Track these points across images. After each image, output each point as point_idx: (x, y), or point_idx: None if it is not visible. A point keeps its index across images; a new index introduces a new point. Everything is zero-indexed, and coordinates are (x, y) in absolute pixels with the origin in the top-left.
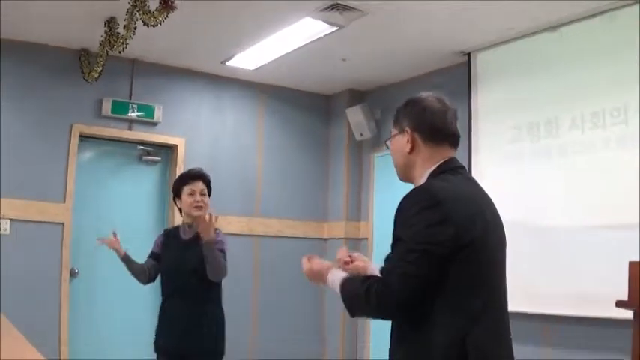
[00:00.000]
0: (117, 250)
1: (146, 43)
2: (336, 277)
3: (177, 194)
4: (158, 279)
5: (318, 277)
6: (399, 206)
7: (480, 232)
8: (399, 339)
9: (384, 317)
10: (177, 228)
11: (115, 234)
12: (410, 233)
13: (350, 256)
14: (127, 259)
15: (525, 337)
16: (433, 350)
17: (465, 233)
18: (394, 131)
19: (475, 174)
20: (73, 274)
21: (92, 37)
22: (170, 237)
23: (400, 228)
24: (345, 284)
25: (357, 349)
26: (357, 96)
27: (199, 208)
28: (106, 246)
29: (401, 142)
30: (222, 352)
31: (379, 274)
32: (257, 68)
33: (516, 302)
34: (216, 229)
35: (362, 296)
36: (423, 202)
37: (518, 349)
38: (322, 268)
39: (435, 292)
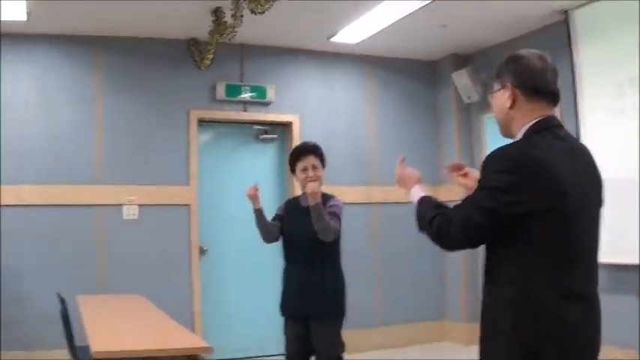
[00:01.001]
0: (254, 200)
1: (252, 26)
2: (418, 192)
3: (292, 170)
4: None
5: (405, 184)
6: (484, 159)
7: (561, 194)
8: (482, 292)
9: (440, 246)
10: (297, 198)
11: (255, 185)
12: (485, 187)
13: (463, 167)
14: (260, 213)
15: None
16: (502, 303)
17: (540, 198)
18: (496, 86)
19: (579, 131)
20: (202, 252)
21: (199, 26)
22: (291, 205)
23: (482, 179)
24: (421, 202)
25: (479, 309)
26: (461, 60)
27: (311, 182)
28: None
29: (502, 97)
30: (343, 313)
31: None
32: (361, 42)
33: (619, 255)
34: (331, 196)
35: (427, 221)
36: (502, 163)
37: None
38: (411, 178)
39: (506, 248)
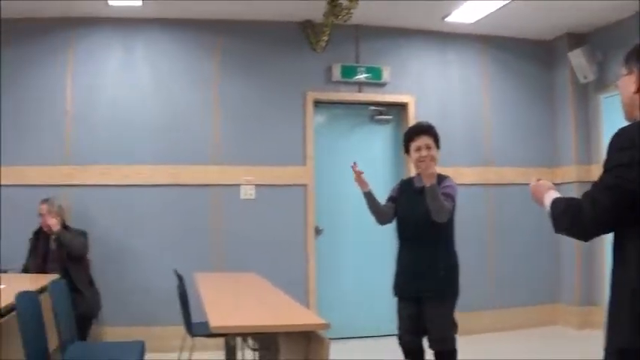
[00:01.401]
0: (361, 184)
1: (367, 7)
2: (550, 197)
3: (406, 150)
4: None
5: (539, 192)
6: (608, 142)
7: None
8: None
9: (577, 237)
10: (411, 178)
11: (355, 166)
12: (608, 168)
13: None
14: (369, 196)
15: None
16: (626, 286)
17: None
18: (623, 71)
19: None
20: (317, 231)
21: (315, 8)
22: (405, 186)
23: (605, 162)
24: (554, 203)
25: (592, 293)
26: (577, 39)
27: (425, 162)
28: (353, 193)
29: (628, 81)
30: (456, 294)
31: None
32: (476, 21)
33: None
34: (446, 177)
35: (560, 216)
36: (621, 142)
37: None
38: (546, 186)
39: (630, 229)
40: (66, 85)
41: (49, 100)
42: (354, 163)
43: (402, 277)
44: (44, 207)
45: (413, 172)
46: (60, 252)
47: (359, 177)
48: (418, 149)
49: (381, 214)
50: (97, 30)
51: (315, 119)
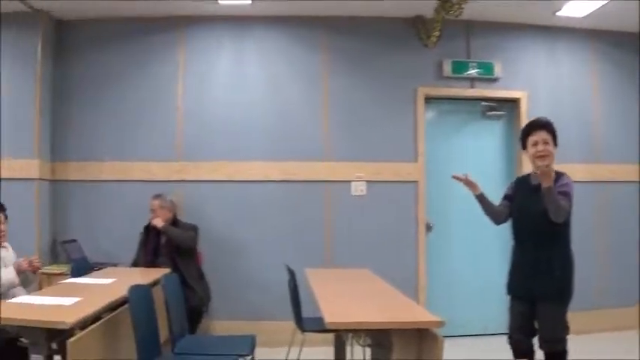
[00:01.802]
0: (472, 187)
1: (478, 3)
2: None
3: (523, 145)
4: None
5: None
6: None
7: None
8: None
9: None
10: (528, 175)
11: (457, 175)
12: None
13: None
14: (482, 198)
15: None
16: None
17: None
18: None
19: None
20: (428, 228)
21: (425, 4)
22: (521, 183)
23: None
24: None
25: None
26: None
27: (541, 157)
28: (462, 186)
29: None
30: (570, 295)
31: None
32: (586, 15)
33: None
34: (562, 174)
35: None
36: None
37: None
38: None
39: None
40: (177, 82)
41: (160, 97)
42: (454, 175)
43: (516, 276)
44: (156, 202)
45: (525, 169)
46: (169, 246)
47: (467, 182)
48: (535, 144)
49: (495, 215)
50: (208, 28)
51: (426, 115)
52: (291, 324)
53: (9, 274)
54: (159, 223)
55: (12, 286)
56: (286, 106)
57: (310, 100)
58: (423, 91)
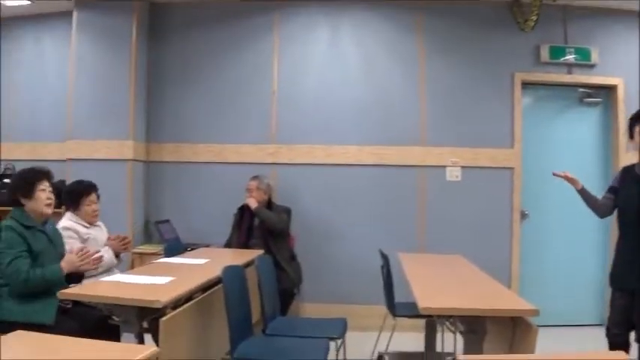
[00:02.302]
0: (573, 183)
1: None
2: None
3: (630, 134)
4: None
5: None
6: None
7: None
8: None
9: None
10: (633, 165)
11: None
12: None
13: None
14: (583, 192)
15: None
16: None
17: None
18: None
19: None
20: (523, 216)
21: None
22: (626, 174)
23: None
24: None
25: None
26: None
27: None
28: (561, 180)
29: None
30: None
31: None
32: None
33: None
34: None
35: None
36: None
37: None
38: None
39: None
40: (272, 65)
41: (255, 80)
42: (554, 172)
43: (620, 268)
44: (253, 183)
45: (621, 157)
46: (263, 228)
47: (566, 178)
48: None
49: (599, 208)
50: (303, 10)
51: (524, 101)
52: (381, 308)
53: (108, 254)
54: (253, 203)
55: (113, 264)
56: (381, 89)
57: (406, 84)
58: (520, 77)
